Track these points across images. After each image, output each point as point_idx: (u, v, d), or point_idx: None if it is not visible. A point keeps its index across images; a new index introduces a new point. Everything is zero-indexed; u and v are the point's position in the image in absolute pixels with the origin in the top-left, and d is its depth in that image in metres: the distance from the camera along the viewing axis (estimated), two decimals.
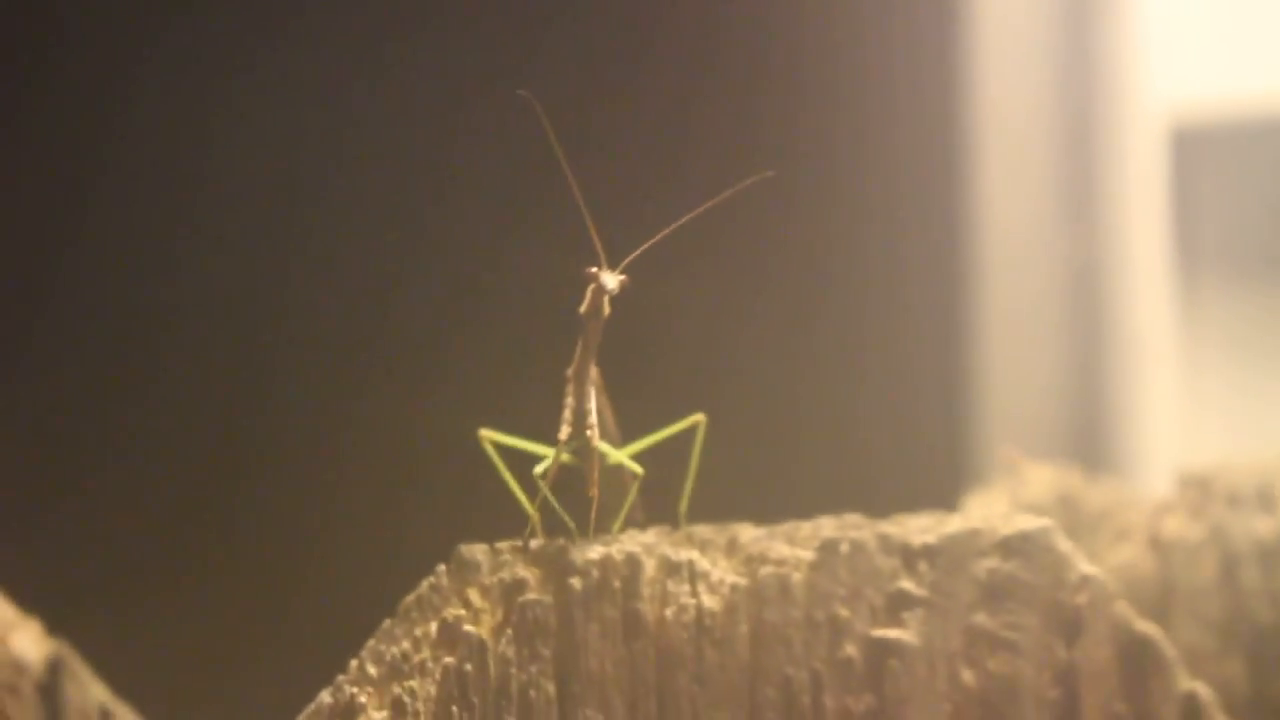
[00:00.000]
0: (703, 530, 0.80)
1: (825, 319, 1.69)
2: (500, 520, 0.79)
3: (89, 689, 0.99)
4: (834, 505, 0.84)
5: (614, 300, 0.81)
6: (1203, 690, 0.80)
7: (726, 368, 1.62)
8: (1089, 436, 1.72)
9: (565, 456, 0.81)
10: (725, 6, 1.71)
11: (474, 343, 1.53)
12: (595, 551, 0.77)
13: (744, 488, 0.96)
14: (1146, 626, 0.80)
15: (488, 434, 0.81)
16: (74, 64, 1.59)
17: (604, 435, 0.82)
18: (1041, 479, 1.09)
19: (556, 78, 1.62)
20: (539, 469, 0.80)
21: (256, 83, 1.65)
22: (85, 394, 1.55)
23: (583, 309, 0.81)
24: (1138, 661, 0.80)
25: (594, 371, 0.81)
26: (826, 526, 0.81)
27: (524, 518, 0.79)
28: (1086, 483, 1.10)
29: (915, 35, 1.78)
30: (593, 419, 0.81)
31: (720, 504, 0.84)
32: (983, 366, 1.74)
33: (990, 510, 1.07)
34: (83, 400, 1.54)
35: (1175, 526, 1.07)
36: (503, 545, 0.78)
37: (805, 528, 0.81)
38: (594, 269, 0.80)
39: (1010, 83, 1.78)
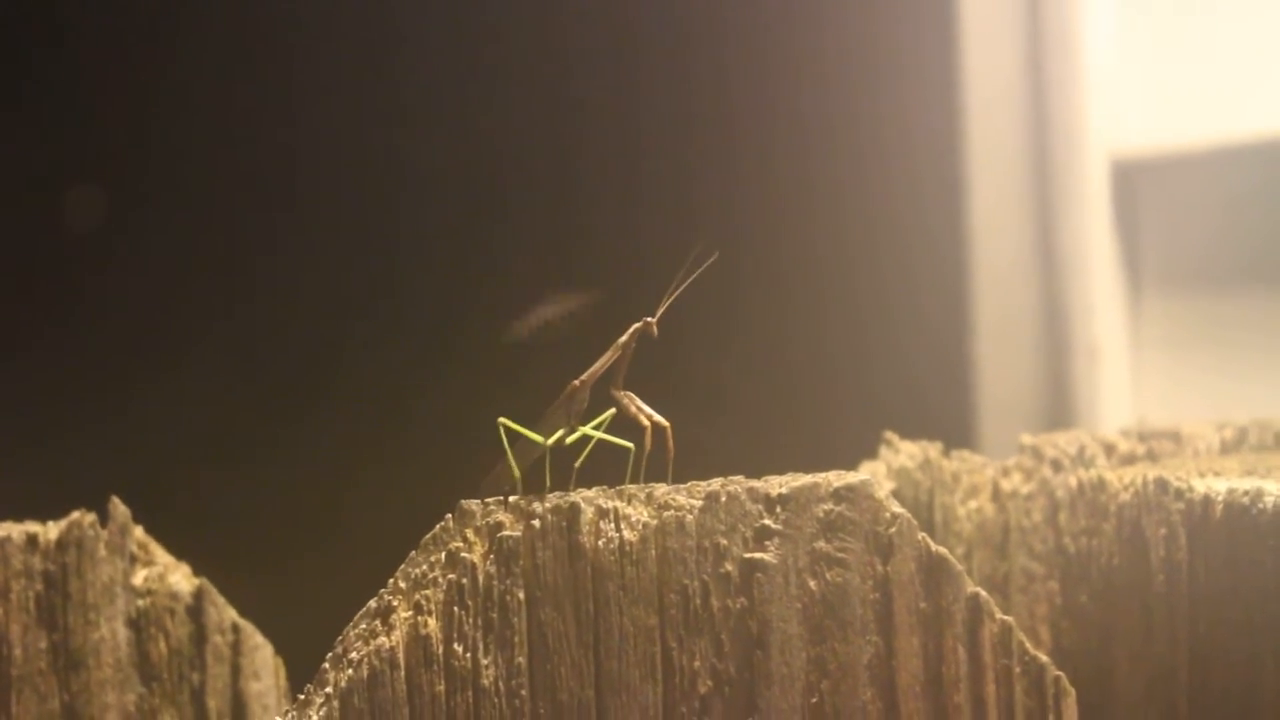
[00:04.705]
0: (631, 488, 1.09)
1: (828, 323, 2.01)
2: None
3: (224, 611, 1.36)
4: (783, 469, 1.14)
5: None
6: (982, 593, 1.08)
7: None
8: (1054, 421, 2.00)
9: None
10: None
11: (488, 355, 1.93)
12: (550, 502, 1.08)
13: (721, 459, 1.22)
14: (940, 549, 1.08)
15: (505, 421, 1.16)
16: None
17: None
18: (911, 451, 1.39)
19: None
20: (552, 436, 1.14)
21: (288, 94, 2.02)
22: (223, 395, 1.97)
23: (622, 340, 1.15)
24: (935, 573, 1.08)
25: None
26: (715, 483, 1.09)
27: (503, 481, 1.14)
28: (943, 454, 1.40)
29: (912, 87, 2.09)
30: (646, 408, 1.15)
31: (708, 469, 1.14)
32: (961, 368, 2.04)
33: (871, 471, 1.37)
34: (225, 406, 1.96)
35: (1013, 483, 1.36)
36: (489, 499, 1.10)
37: (701, 485, 1.09)
38: (650, 319, 1.14)
39: (985, 131, 2.08)
